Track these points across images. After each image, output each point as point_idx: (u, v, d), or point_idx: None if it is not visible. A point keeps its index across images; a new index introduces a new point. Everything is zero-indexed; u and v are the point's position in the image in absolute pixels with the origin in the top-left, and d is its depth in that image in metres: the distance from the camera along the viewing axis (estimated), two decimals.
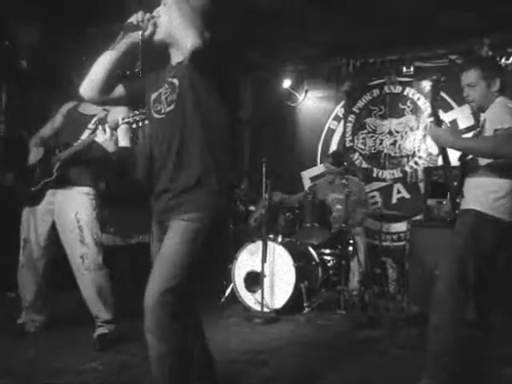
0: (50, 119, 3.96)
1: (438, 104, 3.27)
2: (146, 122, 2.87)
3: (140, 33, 2.29)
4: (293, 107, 7.41)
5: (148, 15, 2.29)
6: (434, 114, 3.17)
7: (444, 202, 3.34)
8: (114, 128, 3.43)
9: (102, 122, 3.69)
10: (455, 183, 3.14)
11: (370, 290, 5.26)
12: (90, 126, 3.77)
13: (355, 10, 5.25)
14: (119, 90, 2.47)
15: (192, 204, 2.24)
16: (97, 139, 3.45)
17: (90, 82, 2.42)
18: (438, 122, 3.12)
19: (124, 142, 3.65)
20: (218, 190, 2.25)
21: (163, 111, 2.32)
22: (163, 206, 2.34)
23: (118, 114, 3.65)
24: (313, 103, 7.30)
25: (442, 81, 3.34)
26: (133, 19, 2.30)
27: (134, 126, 3.21)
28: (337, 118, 7.13)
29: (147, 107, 2.45)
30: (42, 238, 3.76)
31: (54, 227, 3.76)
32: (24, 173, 3.87)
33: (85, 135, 3.72)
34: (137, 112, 3.13)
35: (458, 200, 3.11)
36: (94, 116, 3.82)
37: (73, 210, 3.67)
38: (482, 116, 3.10)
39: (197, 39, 2.06)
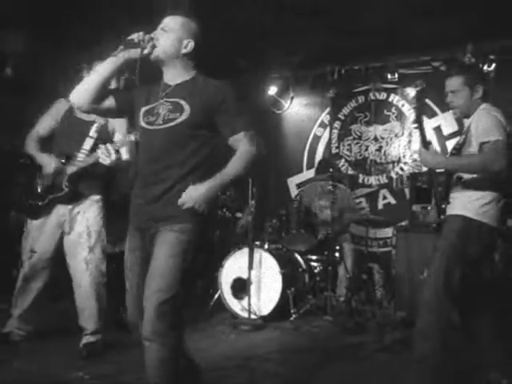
0: (45, 114, 3.81)
1: (423, 124, 3.29)
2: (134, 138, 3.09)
3: (139, 50, 2.47)
4: (279, 114, 7.43)
5: (148, 36, 2.48)
6: (422, 135, 3.16)
7: (429, 208, 3.36)
8: (120, 146, 3.39)
9: (103, 133, 3.66)
10: (440, 189, 3.17)
11: (357, 296, 5.28)
12: (92, 134, 3.68)
13: (340, 18, 5.28)
14: (109, 101, 2.57)
15: (182, 215, 2.37)
16: (101, 161, 3.27)
17: (83, 90, 2.53)
18: (425, 142, 3.11)
19: (126, 155, 3.59)
20: None
21: (157, 123, 2.48)
22: (151, 215, 2.43)
23: (115, 122, 3.68)
24: (298, 110, 7.33)
25: (424, 92, 3.35)
26: (134, 37, 2.48)
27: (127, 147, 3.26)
28: (322, 125, 7.16)
29: (136, 118, 2.59)
30: (50, 250, 3.70)
31: (61, 239, 3.71)
32: (26, 184, 3.77)
33: (87, 145, 3.65)
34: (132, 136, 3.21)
35: (443, 206, 3.14)
36: (93, 122, 3.70)
37: (84, 217, 3.67)
38: (467, 122, 3.13)
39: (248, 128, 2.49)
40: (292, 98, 7.29)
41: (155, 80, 2.61)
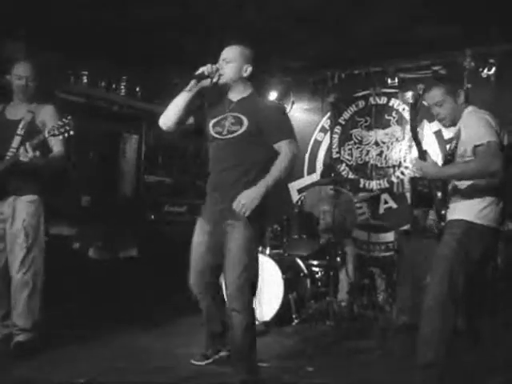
0: None
1: (419, 135, 3.28)
2: (72, 132, 3.40)
3: (209, 81, 3.15)
4: None
5: (214, 67, 3.13)
6: (417, 144, 3.16)
7: (430, 215, 3.36)
8: (38, 144, 3.49)
9: (31, 129, 3.71)
10: (439, 194, 3.16)
11: (359, 301, 5.27)
12: (19, 131, 3.74)
13: (340, 23, 5.28)
14: (190, 120, 3.31)
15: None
16: (22, 159, 3.48)
17: (169, 116, 3.23)
18: (421, 152, 3.10)
19: (56, 148, 3.73)
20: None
21: (224, 134, 3.15)
22: (223, 212, 3.13)
23: (44, 115, 3.81)
24: (299, 115, 7.32)
25: (418, 102, 3.34)
26: (203, 70, 3.11)
27: (61, 137, 3.33)
28: (323, 130, 7.16)
29: (207, 129, 3.27)
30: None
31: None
32: None
33: (15, 142, 3.70)
34: (60, 123, 3.41)
35: (443, 212, 3.13)
36: (20, 120, 3.78)
37: (20, 217, 3.70)
38: (454, 129, 3.13)
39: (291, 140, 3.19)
40: (292, 103, 7.29)
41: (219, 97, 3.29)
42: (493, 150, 2.80)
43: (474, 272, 2.96)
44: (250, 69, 3.23)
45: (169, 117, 3.23)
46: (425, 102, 3.31)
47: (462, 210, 2.98)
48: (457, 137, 3.06)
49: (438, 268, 2.98)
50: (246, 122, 3.10)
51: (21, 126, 3.76)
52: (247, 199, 2.95)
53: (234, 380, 3.12)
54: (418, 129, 3.31)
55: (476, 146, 2.85)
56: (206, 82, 3.16)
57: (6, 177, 3.66)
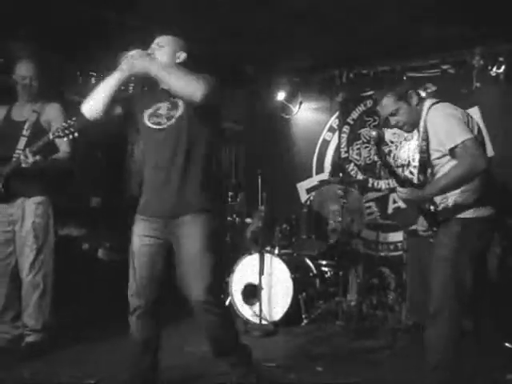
0: None
1: (390, 163, 3.18)
2: (76, 134, 3.34)
3: None
4: (287, 119, 7.42)
5: (145, 52, 2.84)
6: (394, 175, 3.03)
7: (420, 219, 3.27)
8: (42, 147, 3.50)
9: (36, 129, 3.73)
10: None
11: (368, 301, 5.25)
12: (24, 132, 3.76)
13: (347, 22, 5.27)
14: (117, 110, 2.98)
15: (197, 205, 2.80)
16: (23, 165, 3.51)
17: (93, 104, 2.88)
18: (401, 182, 3.00)
19: (63, 147, 3.76)
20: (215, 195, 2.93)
21: (163, 123, 2.86)
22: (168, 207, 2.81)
23: (48, 114, 3.83)
24: (307, 115, 7.31)
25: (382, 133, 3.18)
26: (134, 53, 2.81)
27: (65, 139, 3.31)
28: (331, 130, 7.14)
29: (139, 120, 2.97)
30: (8, 250, 3.79)
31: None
32: None
33: (21, 143, 3.72)
34: (65, 125, 3.37)
35: (434, 216, 3.06)
36: (25, 121, 3.81)
37: (29, 219, 3.73)
38: (420, 127, 3.02)
39: (203, 89, 2.67)
40: (300, 103, 7.28)
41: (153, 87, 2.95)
42: (471, 149, 2.71)
43: (477, 265, 2.90)
44: (184, 55, 2.95)
45: (93, 104, 2.88)
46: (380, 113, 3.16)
47: (456, 207, 2.90)
48: (424, 137, 2.95)
49: (439, 271, 2.91)
50: (181, 104, 2.84)
51: (26, 126, 3.78)
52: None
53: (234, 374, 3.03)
54: (388, 160, 3.18)
55: (451, 149, 2.77)
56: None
57: (13, 179, 3.69)
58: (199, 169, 2.83)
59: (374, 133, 2.95)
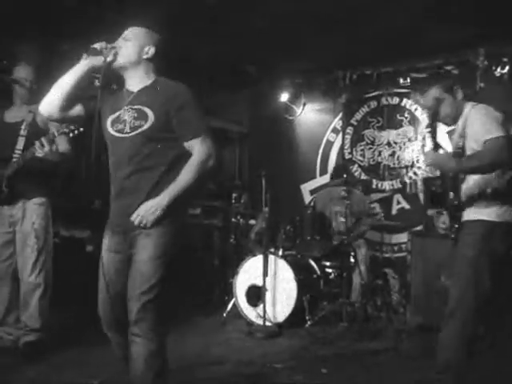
0: None
1: (436, 127, 3.26)
2: (81, 129, 3.17)
3: (102, 58, 2.56)
4: (291, 120, 7.43)
5: (110, 45, 2.59)
6: (433, 138, 3.15)
7: (441, 217, 3.30)
8: (52, 140, 3.44)
9: (34, 129, 3.72)
10: (451, 194, 3.12)
11: (372, 302, 5.24)
12: (22, 132, 3.75)
13: (351, 23, 5.27)
14: (78, 109, 2.68)
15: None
16: (37, 154, 3.44)
17: (51, 100, 2.62)
18: (436, 146, 3.10)
19: (62, 146, 3.71)
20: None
21: (126, 131, 2.56)
22: (128, 220, 2.50)
23: None
24: (311, 116, 7.32)
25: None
26: (96, 45, 2.57)
27: (71, 134, 3.28)
28: (335, 131, 7.14)
29: (102, 125, 2.66)
30: (5, 253, 3.80)
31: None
32: None
33: (19, 144, 3.71)
34: None
35: (456, 213, 3.09)
36: (22, 122, 3.79)
37: (29, 220, 3.73)
38: (459, 124, 3.09)
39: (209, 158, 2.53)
40: (304, 104, 7.29)
41: (120, 87, 2.70)
42: (502, 143, 2.79)
43: (498, 270, 2.91)
44: (152, 50, 2.64)
45: (51, 100, 2.62)
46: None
47: (479, 210, 2.95)
48: (462, 134, 3.02)
49: (461, 272, 2.95)
50: (151, 115, 2.53)
51: (23, 126, 3.77)
52: (146, 211, 2.45)
53: None
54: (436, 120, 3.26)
55: (486, 141, 2.83)
56: (99, 61, 2.57)
57: (14, 180, 3.68)
58: (157, 185, 2.51)
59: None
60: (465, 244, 2.98)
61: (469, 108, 3.05)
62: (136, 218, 2.45)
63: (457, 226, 3.08)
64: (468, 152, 2.99)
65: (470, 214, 3.00)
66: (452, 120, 3.14)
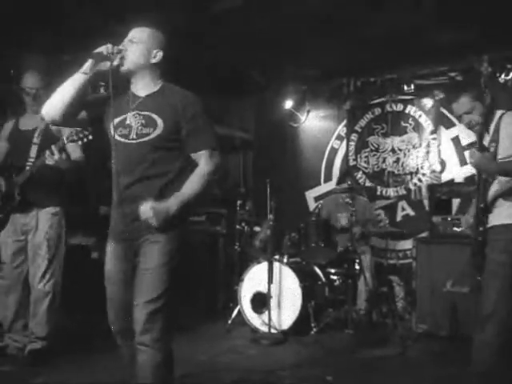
0: None
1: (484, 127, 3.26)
2: (90, 137, 3.15)
3: (108, 63, 2.47)
4: (295, 127, 7.44)
5: (116, 48, 2.49)
6: (480, 138, 3.13)
7: (465, 220, 3.31)
8: (62, 147, 3.46)
9: (47, 136, 3.74)
10: (476, 198, 3.12)
11: (378, 309, 5.23)
12: (35, 140, 3.78)
13: (355, 30, 5.29)
14: (82, 113, 2.63)
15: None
16: (47, 162, 3.45)
17: (54, 104, 2.54)
18: (482, 147, 3.09)
19: (75, 154, 3.74)
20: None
21: (132, 137, 2.51)
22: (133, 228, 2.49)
23: None
24: (315, 123, 7.33)
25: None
26: (102, 49, 2.47)
27: (80, 142, 3.27)
28: (339, 137, 7.15)
29: (108, 129, 2.60)
30: (17, 261, 3.82)
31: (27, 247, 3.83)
32: None
33: (32, 152, 3.74)
34: (78, 128, 3.21)
35: (482, 216, 3.08)
36: (35, 130, 3.82)
37: (43, 229, 3.75)
38: (490, 132, 3.10)
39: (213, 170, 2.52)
40: (308, 111, 7.30)
41: (125, 90, 2.63)
42: None
43: None
44: (160, 54, 2.57)
45: (54, 105, 2.53)
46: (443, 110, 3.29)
47: (508, 214, 2.97)
48: (494, 140, 3.03)
49: (493, 275, 2.96)
50: (160, 123, 2.48)
51: (36, 134, 3.80)
52: (157, 210, 2.39)
53: None
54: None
55: None
56: (105, 65, 2.49)
57: (28, 189, 3.70)
58: (161, 193, 2.48)
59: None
60: (495, 249, 2.99)
61: (500, 113, 3.07)
62: (146, 211, 2.39)
63: (481, 228, 3.08)
64: (503, 154, 2.99)
65: (500, 219, 3.01)
66: (482, 128, 3.15)
